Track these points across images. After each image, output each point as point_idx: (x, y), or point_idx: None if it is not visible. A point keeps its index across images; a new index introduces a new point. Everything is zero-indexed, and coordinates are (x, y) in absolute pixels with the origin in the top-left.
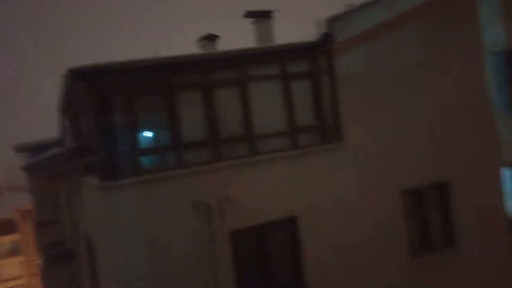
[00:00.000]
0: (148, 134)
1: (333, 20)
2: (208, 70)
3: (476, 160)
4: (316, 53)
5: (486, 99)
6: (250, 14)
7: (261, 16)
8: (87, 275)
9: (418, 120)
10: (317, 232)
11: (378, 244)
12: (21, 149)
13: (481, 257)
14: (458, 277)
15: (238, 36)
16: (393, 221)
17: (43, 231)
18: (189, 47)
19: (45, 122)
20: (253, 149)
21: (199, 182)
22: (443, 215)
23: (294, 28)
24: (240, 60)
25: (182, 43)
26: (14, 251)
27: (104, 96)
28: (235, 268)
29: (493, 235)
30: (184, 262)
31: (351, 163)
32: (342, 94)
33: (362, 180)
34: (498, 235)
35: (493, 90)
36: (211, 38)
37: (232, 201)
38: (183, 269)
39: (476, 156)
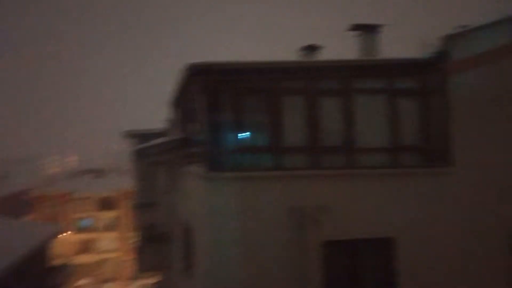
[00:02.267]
0: (252, 133)
1: (449, 39)
2: (314, 78)
3: None
4: (427, 71)
5: None
6: (356, 27)
7: (368, 30)
8: (178, 257)
9: None
10: (414, 256)
11: (477, 278)
12: (129, 135)
13: None
14: None
15: (338, 49)
16: (497, 260)
17: (140, 212)
18: (291, 56)
19: (151, 113)
20: (353, 161)
21: (296, 187)
22: None
23: (399, 44)
24: (346, 70)
25: (284, 52)
26: (111, 227)
27: (216, 92)
28: (324, 281)
29: None
30: (273, 265)
31: (459, 191)
32: (454, 116)
33: (467, 211)
34: None
35: None
36: (312, 48)
37: (328, 211)
38: (271, 271)
39: None
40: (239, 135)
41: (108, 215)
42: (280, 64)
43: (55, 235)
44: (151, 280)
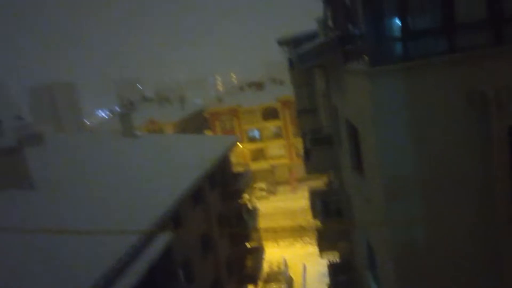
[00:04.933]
0: (416, 16)
1: None
2: None
3: None
4: None
5: None
6: None
7: None
8: (346, 158)
9: None
10: None
11: None
12: (283, 42)
13: None
14: None
15: None
16: None
17: (303, 118)
18: None
19: (301, 14)
20: None
21: (475, 70)
22: None
23: None
24: None
25: None
26: (277, 135)
27: None
28: (508, 167)
29: None
30: (452, 156)
31: None
32: None
33: None
34: None
35: None
36: None
37: None
38: (450, 161)
39: None
40: (404, 20)
41: (272, 124)
42: None
43: (233, 145)
44: (320, 181)
